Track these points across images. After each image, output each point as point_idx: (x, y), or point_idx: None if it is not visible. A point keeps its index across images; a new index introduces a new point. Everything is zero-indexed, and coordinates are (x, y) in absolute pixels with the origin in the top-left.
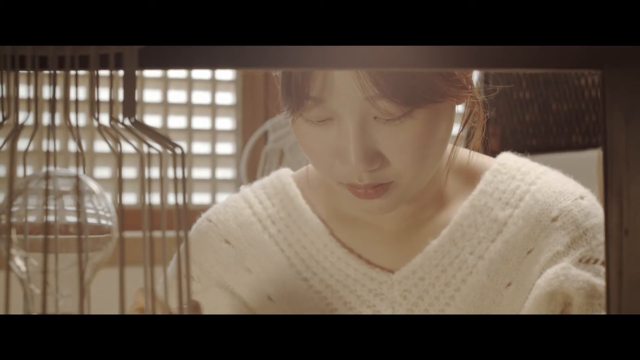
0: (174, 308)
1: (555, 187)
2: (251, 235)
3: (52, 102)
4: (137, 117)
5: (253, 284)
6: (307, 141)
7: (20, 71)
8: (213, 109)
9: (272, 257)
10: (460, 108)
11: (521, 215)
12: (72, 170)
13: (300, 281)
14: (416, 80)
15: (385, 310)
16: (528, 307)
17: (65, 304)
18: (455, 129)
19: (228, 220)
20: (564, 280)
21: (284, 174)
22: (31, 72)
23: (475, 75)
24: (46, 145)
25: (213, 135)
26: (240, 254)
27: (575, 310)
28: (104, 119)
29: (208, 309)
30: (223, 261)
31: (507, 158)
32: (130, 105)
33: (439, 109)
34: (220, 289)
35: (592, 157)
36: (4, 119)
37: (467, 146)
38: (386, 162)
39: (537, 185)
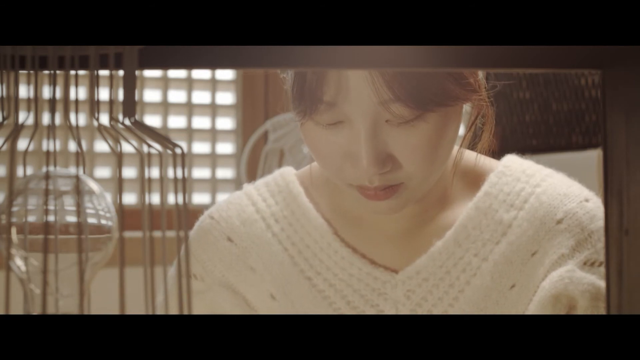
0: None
1: (560, 190)
2: (254, 233)
3: (52, 102)
4: (137, 117)
5: (256, 282)
6: (316, 144)
7: (20, 71)
8: (213, 109)
9: (276, 256)
10: (465, 107)
11: (526, 217)
12: (72, 170)
13: (304, 280)
14: (429, 84)
15: (388, 310)
16: (532, 309)
17: (65, 304)
18: (461, 129)
19: (231, 218)
20: (569, 282)
21: (288, 172)
22: (31, 72)
23: (479, 74)
24: (46, 145)
25: (213, 135)
26: (244, 252)
27: (579, 313)
28: (104, 119)
29: (212, 309)
30: (226, 259)
31: (512, 160)
32: (130, 105)
33: (449, 111)
34: (223, 289)
35: (592, 157)
36: (4, 119)
37: (474, 148)
38: (397, 165)
39: (542, 188)
